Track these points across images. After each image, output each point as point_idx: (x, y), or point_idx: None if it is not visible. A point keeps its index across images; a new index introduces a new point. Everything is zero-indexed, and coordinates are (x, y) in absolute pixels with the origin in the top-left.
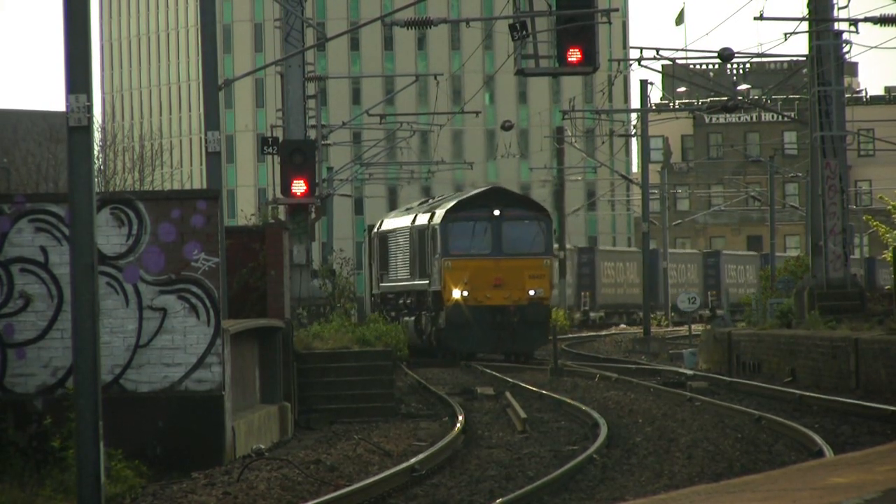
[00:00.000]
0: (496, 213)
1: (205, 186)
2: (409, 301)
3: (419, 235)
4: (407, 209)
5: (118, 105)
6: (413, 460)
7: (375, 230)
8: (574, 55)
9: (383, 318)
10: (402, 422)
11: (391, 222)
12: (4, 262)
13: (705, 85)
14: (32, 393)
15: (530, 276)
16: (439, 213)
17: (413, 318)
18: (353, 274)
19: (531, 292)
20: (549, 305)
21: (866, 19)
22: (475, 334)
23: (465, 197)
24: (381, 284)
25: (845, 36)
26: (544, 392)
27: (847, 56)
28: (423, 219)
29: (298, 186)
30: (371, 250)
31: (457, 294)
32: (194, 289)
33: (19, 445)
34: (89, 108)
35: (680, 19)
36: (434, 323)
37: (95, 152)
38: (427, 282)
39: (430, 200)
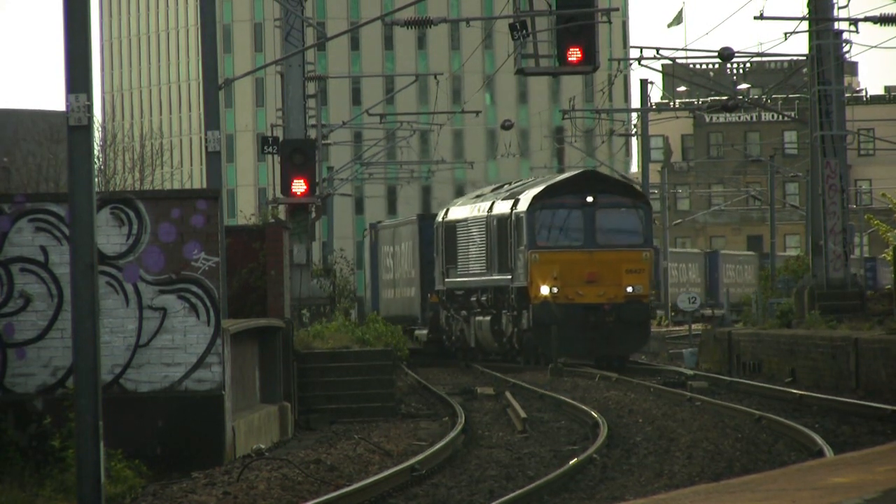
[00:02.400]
0: (589, 199)
1: (205, 186)
2: (483, 299)
3: (499, 225)
4: (478, 196)
5: (118, 105)
6: (413, 460)
7: (440, 219)
8: (574, 55)
9: (448, 316)
10: (402, 422)
11: (460, 211)
12: (4, 262)
13: (705, 84)
14: (32, 393)
15: (628, 271)
16: (524, 200)
17: (489, 318)
18: (353, 273)
19: (629, 289)
20: (650, 304)
21: (866, 19)
22: (565, 336)
23: (554, 181)
24: (447, 280)
25: (845, 35)
26: (544, 392)
27: (847, 56)
28: (503, 206)
29: (298, 186)
30: (439, 242)
31: (545, 291)
32: (194, 288)
33: (19, 445)
34: (89, 108)
35: (675, 21)
36: (517, 324)
37: (95, 152)
38: (509, 277)
39: (509, 186)
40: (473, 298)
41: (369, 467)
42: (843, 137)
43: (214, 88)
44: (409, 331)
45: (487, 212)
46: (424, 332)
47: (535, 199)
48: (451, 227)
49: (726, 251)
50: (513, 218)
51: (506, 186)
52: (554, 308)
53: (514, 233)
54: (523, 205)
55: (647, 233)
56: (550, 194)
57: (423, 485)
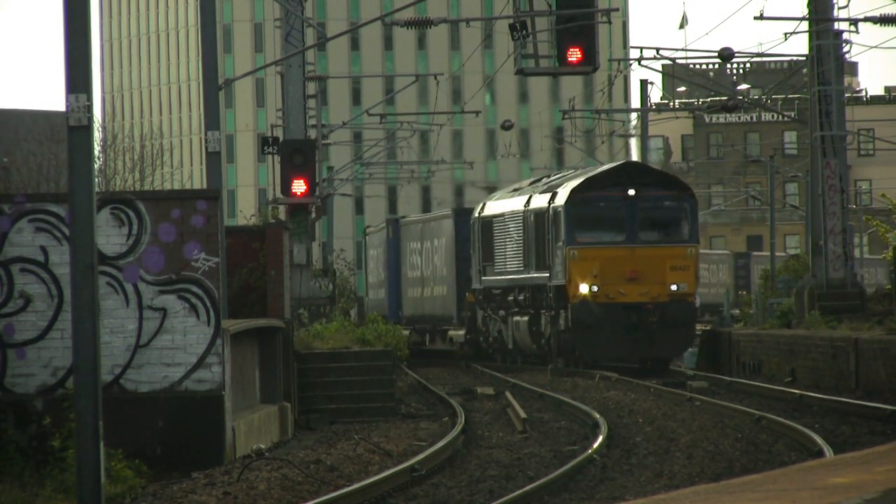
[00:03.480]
0: (631, 192)
1: (205, 186)
2: (521, 298)
3: (536, 220)
4: (515, 189)
5: (118, 105)
6: (413, 460)
7: (476, 214)
8: (574, 55)
9: (485, 316)
10: (402, 422)
11: (497, 205)
12: (4, 262)
13: (705, 85)
14: (32, 393)
15: (672, 268)
16: (563, 193)
17: (527, 319)
18: (353, 273)
19: (673, 287)
20: (695, 303)
21: (866, 19)
22: (605, 337)
23: (594, 173)
24: (484, 278)
25: (845, 36)
26: (544, 392)
27: (847, 56)
28: (540, 200)
29: (298, 186)
30: (475, 238)
31: (584, 289)
32: (194, 289)
33: (19, 445)
34: (89, 108)
35: (683, 23)
36: (555, 324)
37: (96, 152)
38: (546, 274)
39: (547, 178)
40: (511, 297)
41: (369, 467)
42: (843, 138)
43: (214, 88)
44: (441, 331)
45: (524, 206)
46: (461, 332)
47: (574, 192)
48: (488, 223)
49: (703, 251)
50: (550, 212)
51: (544, 179)
52: (594, 307)
53: (551, 228)
54: (561, 198)
55: (693, 227)
56: (590, 187)
57: (423, 485)
